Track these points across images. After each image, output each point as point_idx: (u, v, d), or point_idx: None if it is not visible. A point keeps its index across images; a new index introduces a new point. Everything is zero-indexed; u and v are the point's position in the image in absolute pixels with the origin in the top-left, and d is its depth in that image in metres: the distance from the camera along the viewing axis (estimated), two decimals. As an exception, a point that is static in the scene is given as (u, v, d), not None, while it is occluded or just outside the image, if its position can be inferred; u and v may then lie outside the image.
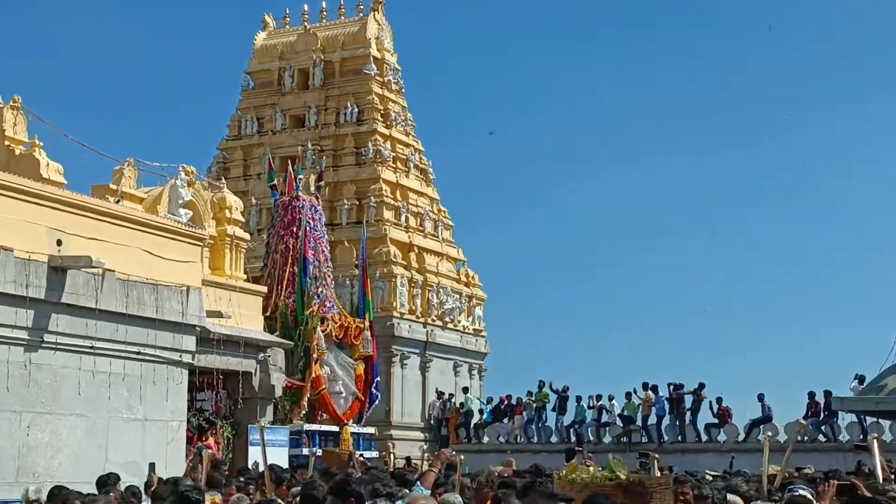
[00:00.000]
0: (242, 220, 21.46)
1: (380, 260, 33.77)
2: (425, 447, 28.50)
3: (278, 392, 20.87)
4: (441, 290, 35.70)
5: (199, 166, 28.76)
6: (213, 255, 20.09)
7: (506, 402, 32.50)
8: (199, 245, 16.90)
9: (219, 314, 17.84)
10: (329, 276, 25.69)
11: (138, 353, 14.96)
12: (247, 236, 21.50)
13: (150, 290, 15.14)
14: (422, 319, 34.63)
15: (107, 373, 14.44)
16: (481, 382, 37.15)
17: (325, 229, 26.47)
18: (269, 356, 20.38)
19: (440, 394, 33.42)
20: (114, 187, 17.59)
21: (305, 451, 22.04)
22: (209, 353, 17.89)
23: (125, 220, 15.26)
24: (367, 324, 25.79)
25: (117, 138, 59.66)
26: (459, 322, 36.50)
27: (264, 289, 21.50)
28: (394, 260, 34.21)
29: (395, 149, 36.92)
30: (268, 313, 23.77)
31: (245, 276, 21.01)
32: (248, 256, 23.53)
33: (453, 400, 33.19)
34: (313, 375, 23.62)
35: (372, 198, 35.14)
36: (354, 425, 25.10)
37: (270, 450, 17.70)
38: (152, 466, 12.15)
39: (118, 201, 16.87)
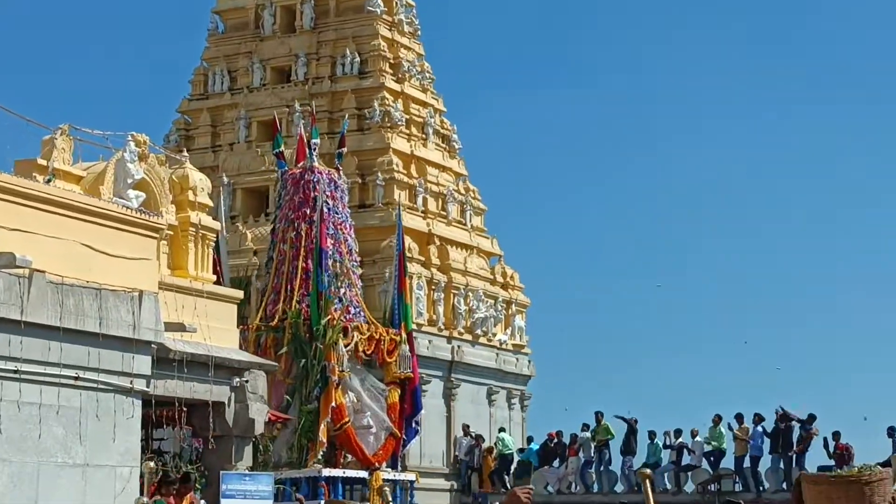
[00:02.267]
0: (211, 204, 21.61)
1: (389, 255, 33.69)
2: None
3: (259, 428, 20.94)
4: (470, 293, 35.75)
5: (154, 135, 30.24)
6: (172, 250, 20.17)
7: (555, 439, 32.63)
8: (154, 237, 16.96)
9: (181, 327, 17.92)
10: (354, 272, 25.92)
11: (77, 378, 14.97)
12: (217, 225, 21.67)
13: (91, 296, 15.16)
14: (445, 332, 34.70)
15: (36, 404, 14.45)
16: (524, 414, 37.18)
17: (348, 211, 26.65)
18: (247, 381, 20.46)
19: (466, 430, 33.74)
20: (43, 163, 17.63)
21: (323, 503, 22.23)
22: (169, 378, 17.96)
23: (58, 206, 15.26)
24: (403, 335, 25.86)
25: (48, 100, 59.81)
26: (495, 335, 36.57)
27: (240, 294, 21.57)
28: (408, 255, 33.65)
29: (408, 109, 36.90)
30: (274, 323, 24.27)
31: (215, 278, 21.20)
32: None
33: (482, 440, 33.51)
34: (333, 405, 23.75)
35: (379, 174, 35.12)
36: (388, 470, 25.20)
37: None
38: None
39: (49, 181, 16.88)
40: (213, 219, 21.60)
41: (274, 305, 24.77)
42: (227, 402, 20.10)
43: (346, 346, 24.18)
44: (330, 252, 24.76)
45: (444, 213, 36.62)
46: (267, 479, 20.50)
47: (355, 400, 24.70)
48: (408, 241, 33.95)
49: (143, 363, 15.99)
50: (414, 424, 26.12)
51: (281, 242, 25.29)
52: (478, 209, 38.03)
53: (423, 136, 37.13)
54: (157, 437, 20.54)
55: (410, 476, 26.13)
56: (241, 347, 21.34)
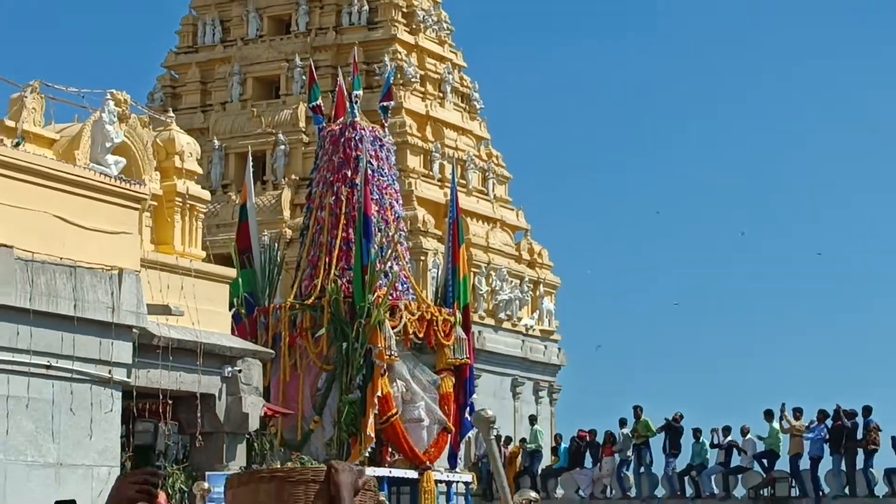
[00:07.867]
0: (200, 171, 21.84)
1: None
2: None
3: (253, 424, 21.07)
4: (493, 272, 35.92)
5: (137, 93, 29.01)
6: (157, 222, 20.24)
7: (587, 438, 32.71)
8: (136, 208, 17.03)
9: (166, 310, 18.03)
10: (402, 244, 26.18)
11: (49, 367, 14.98)
12: (207, 195, 21.92)
13: (64, 274, 15.13)
14: (464, 316, 34.74)
15: (3, 396, 14.50)
16: (552, 409, 37.33)
17: (395, 173, 26.87)
18: (239, 371, 20.58)
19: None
20: (12, 124, 17.60)
21: None
22: (152, 367, 18.01)
23: (28, 173, 15.32)
24: (458, 316, 25.93)
25: (16, 54, 59.75)
26: (520, 320, 36.66)
27: (232, 272, 21.81)
28: (422, 228, 34.45)
29: (423, 65, 37.09)
30: (310, 301, 24.44)
31: (205, 254, 21.30)
32: (209, 224, 24.52)
33: (503, 439, 33.32)
34: (379, 394, 23.84)
35: (390, 137, 34.96)
36: (442, 470, 25.31)
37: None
38: None
39: (18, 144, 16.89)
40: (202, 187, 21.70)
41: (310, 281, 24.97)
42: (217, 395, 20.19)
43: (393, 328, 24.26)
44: (375, 220, 24.90)
45: (463, 182, 36.34)
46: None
47: (404, 390, 24.78)
48: (422, 213, 34.66)
49: (123, 350, 16.00)
50: (467, 416, 25.72)
51: (318, 209, 25.45)
52: (501, 177, 38.08)
53: (440, 94, 37.21)
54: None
55: (466, 477, 26.24)
56: (233, 332, 21.45)
